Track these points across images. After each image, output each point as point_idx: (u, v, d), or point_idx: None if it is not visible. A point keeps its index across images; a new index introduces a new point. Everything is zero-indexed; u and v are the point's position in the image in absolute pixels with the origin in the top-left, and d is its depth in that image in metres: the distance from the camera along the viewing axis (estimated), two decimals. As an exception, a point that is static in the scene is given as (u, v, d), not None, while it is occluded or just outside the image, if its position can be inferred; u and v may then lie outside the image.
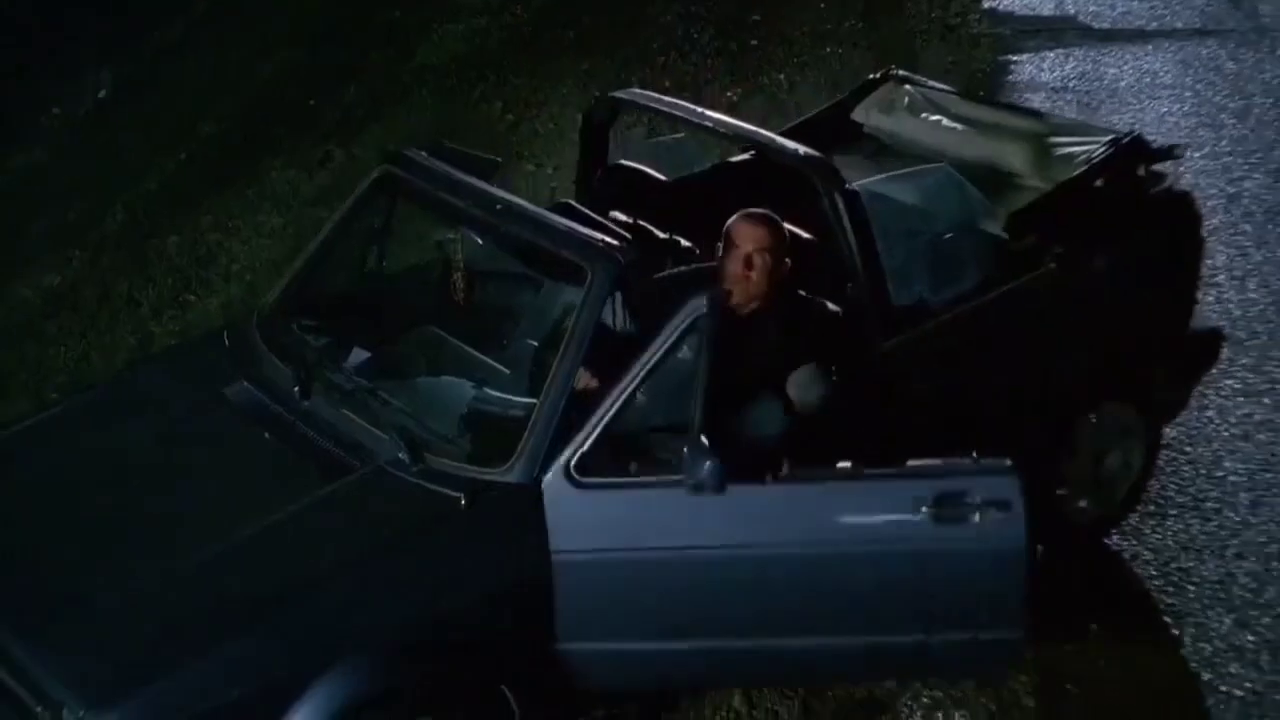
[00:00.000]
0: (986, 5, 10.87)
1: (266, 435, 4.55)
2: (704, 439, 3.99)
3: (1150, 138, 8.74)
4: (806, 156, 4.85)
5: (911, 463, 4.18)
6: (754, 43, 10.20)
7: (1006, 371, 4.98)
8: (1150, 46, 10.03)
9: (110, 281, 7.76)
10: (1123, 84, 9.45)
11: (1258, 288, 7.14)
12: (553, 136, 9.00)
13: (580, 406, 4.23)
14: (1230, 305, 6.96)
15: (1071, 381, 5.18)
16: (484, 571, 4.17)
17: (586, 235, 4.48)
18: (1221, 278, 7.14)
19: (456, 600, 4.13)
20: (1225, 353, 6.25)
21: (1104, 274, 5.21)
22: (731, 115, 9.08)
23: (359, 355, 4.78)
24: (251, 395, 4.68)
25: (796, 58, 9.93)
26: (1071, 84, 9.49)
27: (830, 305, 4.66)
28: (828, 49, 10.00)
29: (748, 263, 4.48)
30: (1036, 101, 9.22)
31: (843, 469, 4.14)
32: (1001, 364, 4.98)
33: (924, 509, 4.07)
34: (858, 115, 5.93)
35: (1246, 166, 8.26)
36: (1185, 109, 9.05)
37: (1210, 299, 6.81)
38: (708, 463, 3.98)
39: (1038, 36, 10.30)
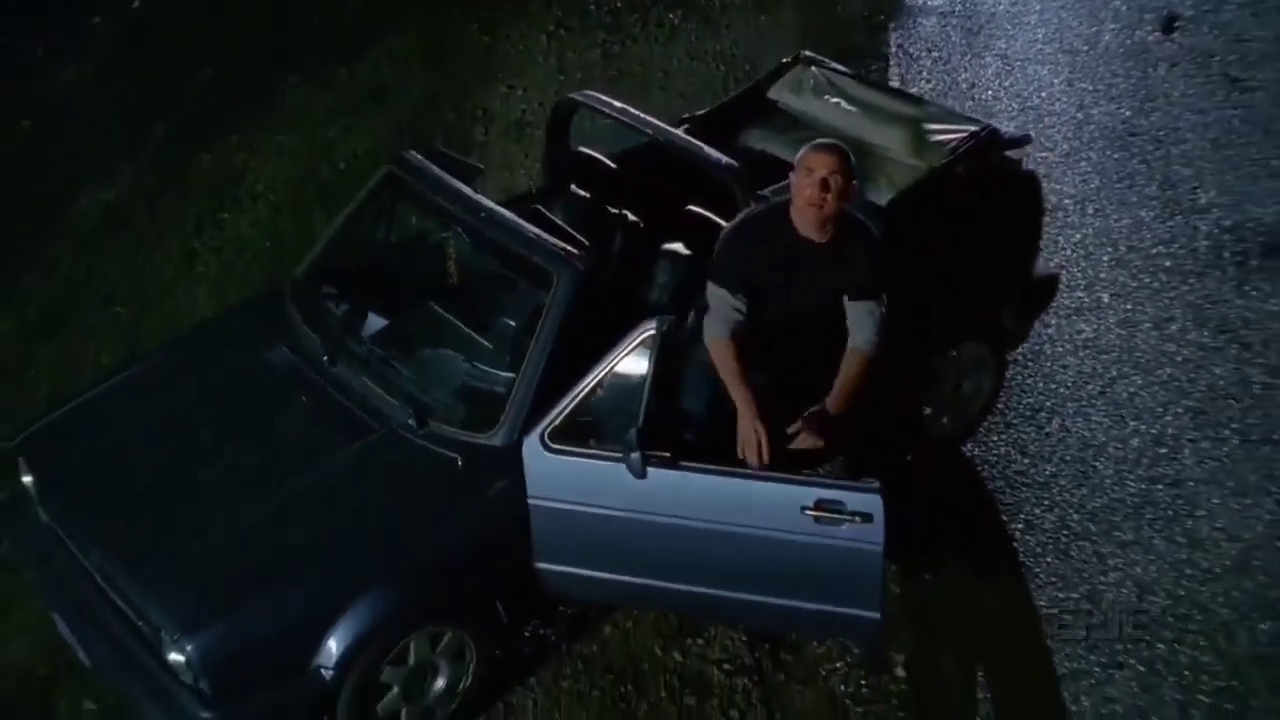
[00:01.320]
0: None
1: (303, 398, 4.96)
2: (637, 434, 4.41)
3: (1021, 60, 9.00)
4: (727, 166, 5.16)
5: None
6: (692, -37, 10.24)
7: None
8: (1026, -30, 10.09)
9: (155, 198, 7.92)
10: (1000, 8, 9.52)
11: (1095, 214, 7.32)
12: (523, 58, 9.14)
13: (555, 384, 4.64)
14: (1072, 230, 7.19)
15: (938, 328, 5.58)
16: (477, 514, 4.68)
17: (553, 244, 4.82)
18: (1068, 203, 7.36)
19: (458, 537, 4.64)
20: (1064, 275, 6.67)
21: (965, 242, 5.55)
22: (673, 38, 9.37)
23: (375, 323, 5.15)
24: (289, 360, 5.07)
25: (726, -22, 10.00)
26: (957, 8, 9.54)
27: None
28: (753, -29, 10.06)
29: (824, 185, 4.43)
30: (928, 25, 9.40)
31: (745, 470, 4.50)
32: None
33: (806, 510, 4.43)
34: (772, 94, 6.14)
35: (1094, 94, 8.36)
36: (1049, 34, 9.14)
37: (1056, 224, 7.07)
38: (633, 454, 4.44)
39: (935, -41, 10.32)
